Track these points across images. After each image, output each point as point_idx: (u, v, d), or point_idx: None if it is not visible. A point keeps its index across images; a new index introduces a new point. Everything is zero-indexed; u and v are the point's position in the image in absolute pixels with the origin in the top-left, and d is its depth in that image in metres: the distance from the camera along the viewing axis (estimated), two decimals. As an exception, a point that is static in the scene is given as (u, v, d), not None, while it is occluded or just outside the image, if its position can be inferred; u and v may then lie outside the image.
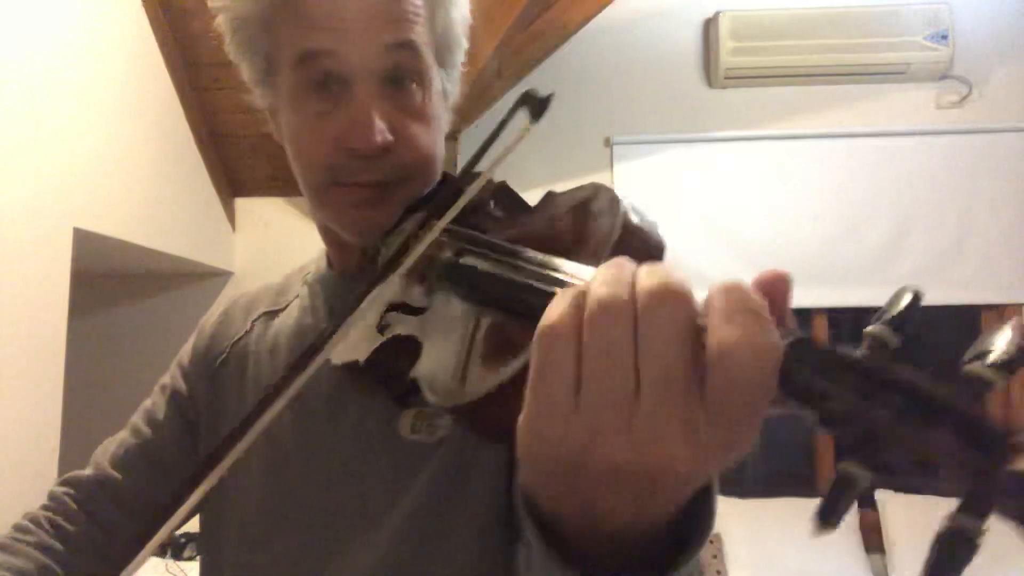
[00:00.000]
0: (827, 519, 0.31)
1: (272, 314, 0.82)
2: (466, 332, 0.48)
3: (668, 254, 0.48)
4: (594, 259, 0.43)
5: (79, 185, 2.30)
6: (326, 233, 0.78)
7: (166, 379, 0.86)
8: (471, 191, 0.53)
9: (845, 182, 3.37)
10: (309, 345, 0.48)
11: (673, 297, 0.31)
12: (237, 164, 3.36)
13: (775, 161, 3.42)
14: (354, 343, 0.56)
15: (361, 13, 0.63)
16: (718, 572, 2.97)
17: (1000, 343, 0.29)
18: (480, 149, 0.55)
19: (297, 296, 0.83)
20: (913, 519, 3.07)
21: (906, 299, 0.31)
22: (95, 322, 3.34)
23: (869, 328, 0.31)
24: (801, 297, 2.62)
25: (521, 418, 0.34)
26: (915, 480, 3.60)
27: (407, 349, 0.53)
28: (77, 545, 0.77)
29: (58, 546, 0.77)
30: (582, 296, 0.33)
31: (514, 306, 0.44)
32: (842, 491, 0.31)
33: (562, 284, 0.41)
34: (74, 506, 0.80)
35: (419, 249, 0.52)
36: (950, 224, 3.31)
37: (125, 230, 2.56)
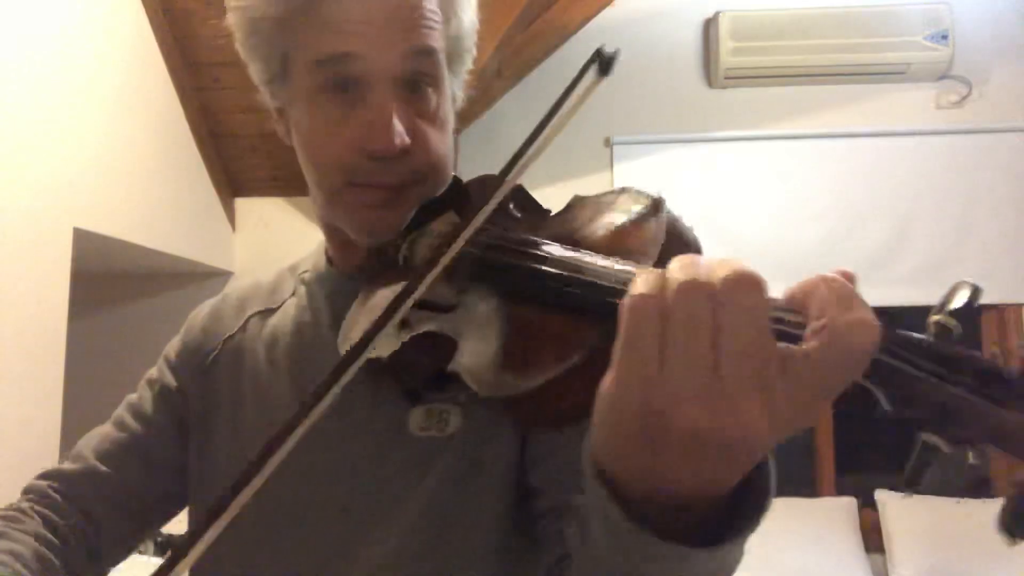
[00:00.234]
0: (913, 484, 0.36)
1: (267, 312, 0.82)
2: (511, 327, 0.51)
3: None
4: (645, 259, 0.47)
5: (79, 185, 2.30)
6: (332, 233, 0.78)
7: (152, 373, 0.85)
8: (503, 190, 0.55)
9: (845, 182, 3.37)
10: (358, 342, 0.49)
11: (752, 283, 0.34)
12: (237, 164, 3.36)
13: (775, 161, 3.42)
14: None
15: (383, 18, 0.65)
16: (718, 572, 2.97)
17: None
18: (554, 105, 0.57)
19: (292, 294, 0.82)
20: (913, 519, 3.07)
21: (965, 292, 0.36)
22: (95, 322, 3.34)
23: (935, 317, 0.35)
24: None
25: (605, 385, 0.37)
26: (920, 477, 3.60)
27: (433, 346, 0.55)
28: (66, 537, 0.76)
29: (50, 535, 0.76)
30: (663, 278, 0.36)
31: (572, 302, 0.47)
32: (926, 459, 0.36)
33: (623, 281, 0.44)
34: (60, 499, 0.78)
35: (457, 248, 0.53)
36: (950, 224, 3.31)
37: (125, 230, 2.56)
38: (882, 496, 3.18)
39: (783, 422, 0.34)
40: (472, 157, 3.11)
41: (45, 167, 2.14)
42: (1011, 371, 0.34)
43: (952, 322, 0.35)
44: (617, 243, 0.52)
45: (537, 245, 0.54)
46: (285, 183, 3.44)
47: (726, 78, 3.43)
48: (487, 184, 0.70)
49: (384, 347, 0.56)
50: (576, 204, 0.61)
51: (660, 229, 0.50)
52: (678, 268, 0.35)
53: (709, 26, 3.47)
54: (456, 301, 0.56)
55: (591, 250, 0.51)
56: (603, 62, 0.56)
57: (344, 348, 0.65)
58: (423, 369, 0.59)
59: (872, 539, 3.12)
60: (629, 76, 3.48)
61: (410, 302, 0.50)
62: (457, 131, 0.84)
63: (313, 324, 0.78)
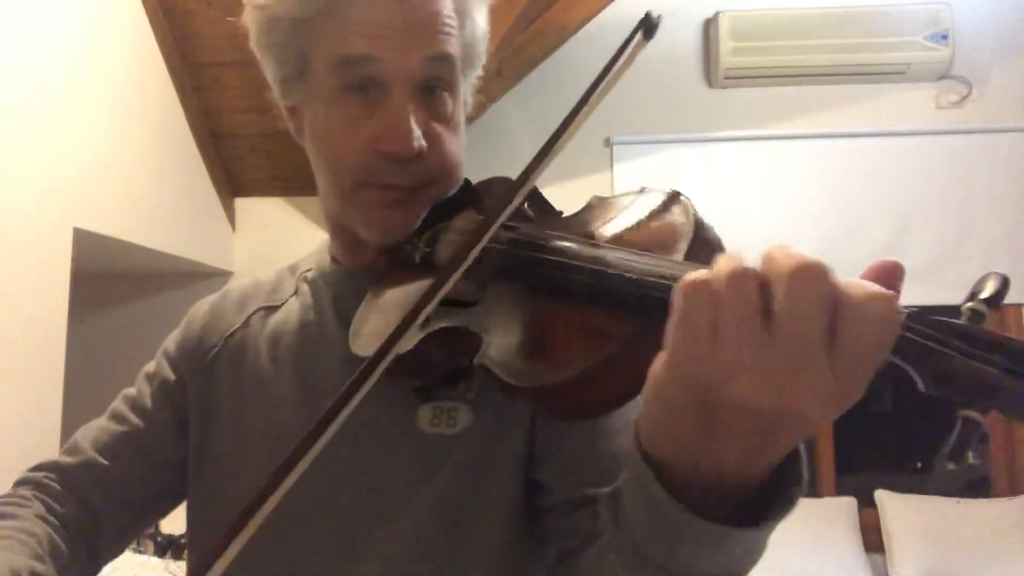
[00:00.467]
0: (956, 458, 0.38)
1: (270, 309, 0.82)
2: (543, 320, 0.53)
3: None
4: (674, 255, 0.49)
5: (79, 185, 2.30)
6: (339, 232, 0.79)
7: (151, 368, 0.85)
8: (527, 187, 0.56)
9: (845, 182, 3.37)
10: (388, 338, 0.50)
11: (813, 270, 0.36)
12: (237, 164, 3.36)
13: (775, 161, 3.42)
14: (385, 335, 0.58)
15: (406, 23, 0.66)
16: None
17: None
18: (604, 69, 0.59)
19: (295, 293, 0.83)
20: (913, 519, 3.07)
21: (995, 281, 0.39)
22: (95, 322, 3.34)
23: (968, 304, 0.38)
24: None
25: (657, 365, 0.40)
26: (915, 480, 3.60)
27: (449, 342, 0.57)
28: (67, 525, 0.76)
29: (55, 522, 0.75)
30: (713, 266, 0.39)
31: (605, 295, 0.49)
32: (967, 434, 0.37)
33: (657, 274, 0.46)
34: (59, 488, 0.78)
35: (482, 244, 0.54)
36: (950, 224, 3.31)
37: (125, 230, 2.56)
38: (882, 496, 3.19)
39: (832, 396, 0.36)
40: (472, 157, 3.10)
41: (45, 167, 2.14)
42: None
43: (985, 308, 0.38)
44: (646, 238, 0.53)
45: (567, 240, 0.55)
46: (285, 183, 3.44)
47: (726, 78, 3.43)
48: (503, 182, 0.72)
49: (402, 343, 0.57)
50: (596, 204, 0.63)
51: (688, 225, 0.51)
52: (728, 255, 0.38)
53: (709, 26, 3.47)
54: (478, 296, 0.58)
55: (621, 245, 0.52)
56: (649, 27, 0.58)
57: (356, 346, 0.66)
58: (438, 365, 0.61)
59: (872, 539, 3.12)
60: (629, 76, 3.47)
61: (439, 297, 0.51)
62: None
63: (318, 323, 0.78)
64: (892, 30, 3.27)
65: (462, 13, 0.71)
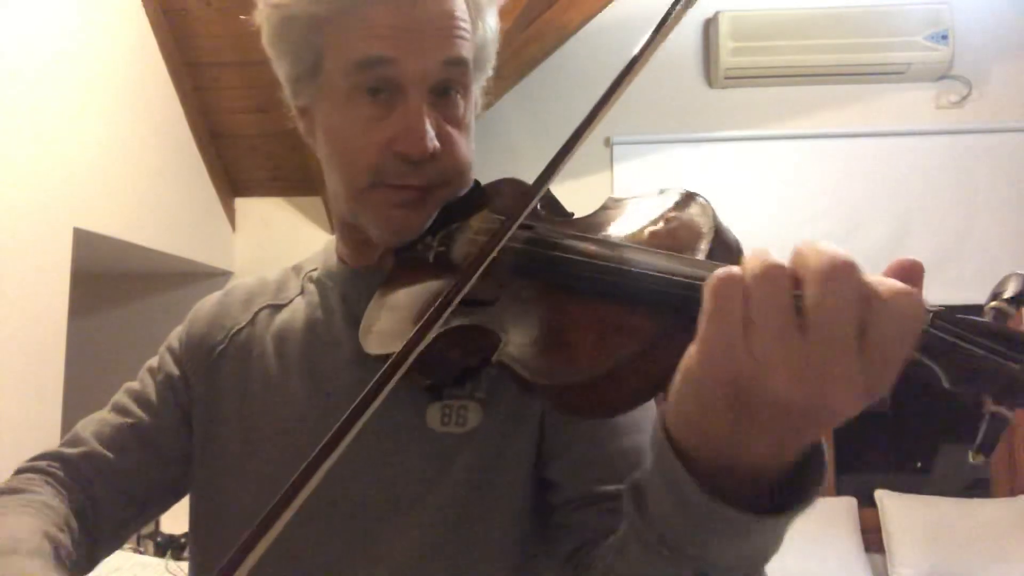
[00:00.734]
0: (986, 451, 0.39)
1: (276, 308, 0.82)
2: (566, 318, 0.53)
3: None
4: (695, 254, 0.49)
5: (79, 185, 2.30)
6: (348, 231, 0.79)
7: (154, 363, 0.84)
8: (546, 184, 0.56)
9: (845, 182, 3.37)
10: (411, 338, 0.50)
11: (844, 268, 0.37)
12: (237, 164, 3.36)
13: (775, 161, 3.42)
14: (398, 334, 0.58)
15: (423, 26, 0.67)
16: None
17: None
18: (651, 36, 0.60)
19: (301, 293, 0.83)
20: (913, 519, 3.07)
21: (1017, 281, 0.39)
22: (95, 322, 3.34)
23: (992, 303, 0.39)
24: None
25: (688, 358, 0.41)
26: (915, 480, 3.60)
27: (464, 340, 0.58)
28: (73, 511, 0.75)
29: (65, 505, 0.75)
30: (741, 263, 0.40)
31: (628, 294, 0.49)
32: (996, 428, 0.38)
33: (681, 273, 0.46)
34: (63, 475, 0.77)
35: (503, 243, 0.55)
36: (950, 224, 3.31)
37: (125, 230, 2.56)
38: (882, 496, 3.19)
39: (859, 390, 0.37)
40: (472, 157, 3.10)
41: (45, 167, 2.14)
42: None
43: (1010, 308, 0.38)
44: (666, 238, 0.54)
45: (589, 240, 0.56)
46: (285, 183, 3.44)
47: (726, 78, 3.43)
48: (511, 183, 0.72)
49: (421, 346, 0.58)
50: (612, 205, 0.63)
51: (708, 226, 0.52)
52: (754, 254, 0.39)
53: (709, 26, 3.47)
54: (496, 295, 0.58)
55: (640, 244, 0.53)
56: None
57: (367, 345, 0.67)
58: (451, 364, 0.62)
59: (872, 539, 3.12)
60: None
61: (461, 295, 0.52)
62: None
63: (326, 322, 0.78)
64: (892, 30, 3.27)
65: (475, 16, 0.72)
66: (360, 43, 0.67)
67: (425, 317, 0.50)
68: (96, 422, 0.81)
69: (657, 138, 3.46)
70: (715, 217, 0.53)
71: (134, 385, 0.84)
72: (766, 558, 0.48)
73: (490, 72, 0.77)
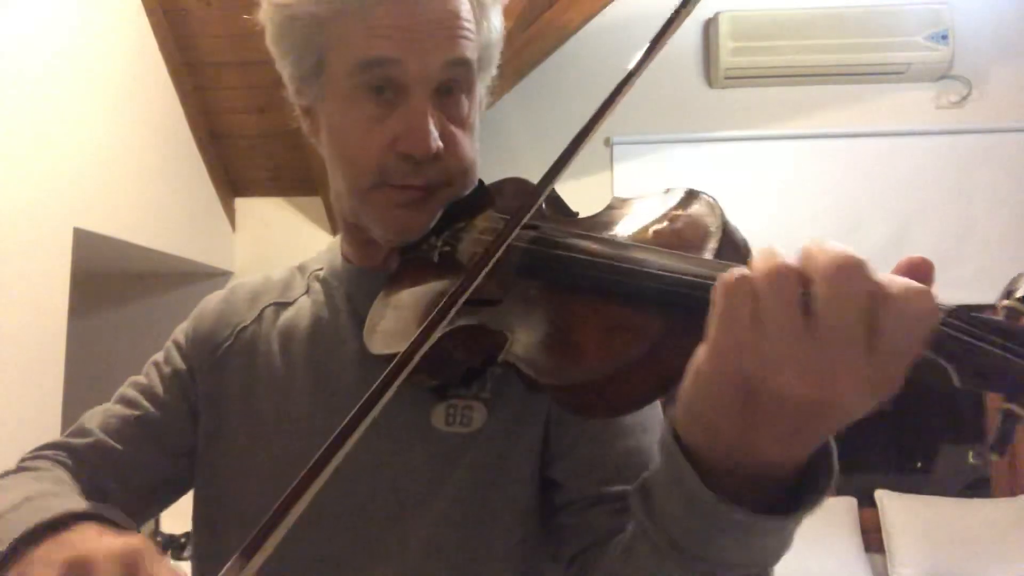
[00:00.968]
0: (1000, 449, 0.38)
1: (281, 306, 0.82)
2: (572, 318, 0.53)
3: None
4: (703, 253, 0.49)
5: (79, 185, 2.30)
6: (352, 231, 0.79)
7: (160, 357, 0.84)
8: (551, 183, 0.56)
9: (845, 182, 3.37)
10: (416, 337, 0.50)
11: (852, 267, 0.37)
12: (237, 164, 3.36)
13: (775, 161, 3.42)
14: (402, 334, 0.58)
15: (428, 26, 0.67)
16: (718, 572, 2.98)
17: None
18: (651, 44, 0.58)
19: (306, 292, 0.83)
20: (913, 519, 3.07)
21: None
22: (95, 322, 3.34)
23: (1005, 302, 0.39)
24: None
25: (699, 358, 0.41)
26: (916, 479, 3.60)
27: (469, 340, 0.58)
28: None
29: (76, 488, 0.74)
30: (748, 264, 0.40)
31: (636, 293, 0.49)
32: (1009, 427, 0.38)
33: (696, 274, 0.46)
34: (71, 463, 0.76)
35: (508, 242, 0.55)
36: (950, 224, 3.31)
37: (125, 230, 2.56)
38: (882, 496, 3.19)
39: (870, 388, 0.37)
40: (472, 157, 3.10)
41: (45, 167, 2.14)
42: None
43: (1022, 306, 0.38)
44: (674, 237, 0.54)
45: (595, 239, 0.55)
46: (285, 183, 3.44)
47: (726, 78, 3.43)
48: (515, 182, 0.72)
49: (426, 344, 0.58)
50: (617, 204, 0.63)
51: (716, 225, 0.52)
52: (763, 254, 0.39)
53: (709, 26, 3.47)
54: (501, 295, 0.58)
55: (647, 244, 0.53)
56: None
57: (371, 344, 0.67)
58: (457, 364, 0.61)
59: (872, 539, 3.12)
60: (629, 76, 3.47)
61: (466, 295, 0.51)
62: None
63: (331, 321, 0.78)
64: (892, 30, 3.27)
65: (480, 16, 0.71)
66: (363, 43, 0.67)
67: (430, 317, 0.50)
68: (102, 414, 0.80)
69: (657, 138, 3.46)
70: (723, 216, 0.53)
71: (140, 378, 0.83)
72: (775, 559, 0.49)
73: (495, 71, 0.77)
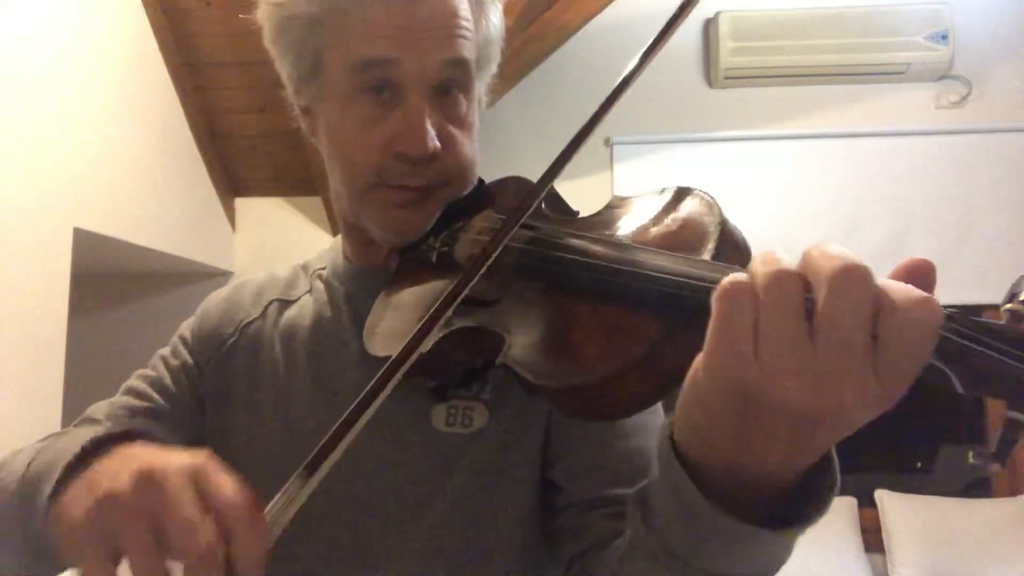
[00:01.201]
0: (1001, 458, 0.37)
1: (284, 303, 0.82)
2: (568, 320, 0.52)
3: None
4: (702, 254, 0.48)
5: (79, 185, 2.30)
6: (352, 231, 0.79)
7: (166, 352, 0.84)
8: (548, 182, 0.56)
9: (845, 182, 3.37)
10: (411, 339, 0.49)
11: (854, 274, 0.36)
12: (237, 164, 3.36)
13: (775, 161, 3.42)
14: (401, 335, 0.58)
15: (424, 26, 0.66)
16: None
17: None
18: (649, 46, 0.58)
19: (309, 291, 0.83)
20: (913, 519, 3.07)
21: None
22: (95, 322, 3.34)
23: (1008, 305, 0.38)
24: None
25: (698, 364, 0.40)
26: (916, 480, 3.60)
27: (468, 341, 0.57)
28: None
29: None
30: (747, 270, 0.39)
31: (632, 295, 0.48)
32: (1011, 435, 0.37)
33: (693, 276, 0.45)
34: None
35: (505, 243, 0.54)
36: (950, 224, 3.31)
37: (125, 230, 2.56)
38: (882, 496, 3.18)
39: (873, 398, 0.36)
40: (472, 157, 3.10)
41: (45, 167, 2.14)
42: None
43: (1023, 308, 0.37)
44: (672, 238, 0.53)
45: (592, 240, 0.55)
46: (285, 183, 3.44)
47: (726, 78, 3.42)
48: (516, 181, 0.72)
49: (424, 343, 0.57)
50: (617, 204, 0.62)
51: (714, 225, 0.51)
52: (763, 259, 0.38)
53: (709, 26, 3.47)
54: (499, 296, 0.58)
55: (646, 245, 0.52)
56: None
57: (371, 345, 0.66)
58: (456, 365, 0.61)
59: (872, 539, 3.12)
60: (629, 76, 3.47)
61: (463, 296, 0.51)
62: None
63: (333, 320, 0.78)
64: (892, 30, 3.27)
65: (478, 14, 0.71)
66: (360, 43, 0.66)
67: (424, 318, 0.50)
68: (109, 405, 0.80)
69: (657, 138, 3.46)
70: (721, 215, 0.52)
71: (148, 371, 0.82)
72: (775, 569, 0.48)
73: (495, 69, 0.77)
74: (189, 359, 0.81)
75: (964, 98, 3.40)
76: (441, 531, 0.67)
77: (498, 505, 0.68)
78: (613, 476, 0.65)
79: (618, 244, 0.53)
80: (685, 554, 0.46)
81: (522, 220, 0.55)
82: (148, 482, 0.44)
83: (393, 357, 0.48)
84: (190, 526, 0.42)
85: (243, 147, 3.28)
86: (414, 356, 0.48)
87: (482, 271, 0.52)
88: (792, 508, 0.44)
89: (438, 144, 0.67)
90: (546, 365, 0.51)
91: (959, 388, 0.37)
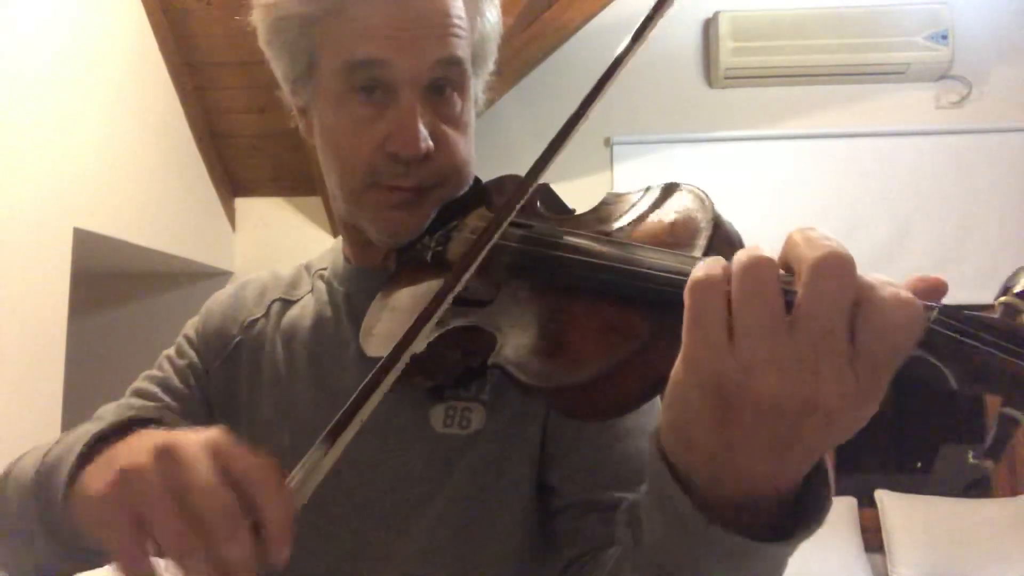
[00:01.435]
0: (995, 455, 0.36)
1: (286, 303, 0.82)
2: (560, 319, 0.52)
3: None
4: (693, 250, 0.48)
5: (79, 185, 2.30)
6: (351, 232, 0.79)
7: (172, 352, 0.84)
8: (535, 179, 0.55)
9: (845, 182, 3.37)
10: (400, 340, 0.49)
11: (836, 265, 0.35)
12: (237, 164, 3.36)
13: (775, 161, 3.42)
14: (397, 335, 0.58)
15: (414, 26, 0.66)
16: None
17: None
18: (631, 40, 0.57)
19: (311, 291, 0.83)
20: (913, 519, 3.07)
21: None
22: (95, 322, 3.34)
23: (1002, 298, 0.37)
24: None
25: (677, 364, 0.39)
26: (916, 480, 3.60)
27: (463, 341, 0.57)
28: None
29: None
30: (725, 261, 0.38)
31: (624, 293, 0.48)
32: (1005, 432, 0.36)
33: (677, 271, 0.44)
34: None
35: (493, 241, 0.53)
36: (950, 224, 3.31)
37: (125, 230, 2.56)
38: (882, 496, 3.19)
39: (853, 394, 0.35)
40: (472, 157, 3.10)
41: (45, 167, 2.14)
42: None
43: (1021, 303, 0.36)
44: (665, 234, 0.52)
45: (584, 237, 0.54)
46: (285, 183, 3.44)
47: (726, 78, 3.43)
48: (514, 180, 0.71)
49: (417, 343, 0.57)
50: (611, 200, 0.62)
51: (706, 220, 0.51)
52: (744, 251, 0.37)
53: (709, 26, 3.47)
54: (492, 295, 0.57)
55: (638, 242, 0.51)
56: None
57: (367, 346, 0.66)
58: (452, 365, 0.61)
59: (872, 539, 3.12)
60: (629, 76, 3.46)
61: (452, 297, 0.50)
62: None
63: (333, 321, 0.78)
64: (892, 30, 3.27)
65: (473, 11, 0.71)
66: (351, 44, 0.66)
67: (415, 318, 0.49)
68: (118, 406, 0.79)
69: (657, 138, 3.46)
70: (714, 211, 0.51)
71: (154, 372, 0.83)
72: None
73: (492, 67, 0.76)
74: (195, 359, 0.81)
75: (964, 98, 3.40)
76: (439, 532, 0.67)
77: (496, 506, 0.68)
78: (610, 478, 0.64)
79: (608, 241, 0.53)
80: (676, 569, 0.45)
81: (511, 216, 0.54)
82: (168, 453, 0.44)
83: (381, 361, 0.48)
84: (213, 491, 0.41)
85: (243, 147, 3.28)
86: (403, 360, 0.48)
87: (472, 269, 0.51)
88: (784, 523, 0.43)
89: (431, 144, 0.67)
90: (536, 365, 0.50)
91: (953, 384, 0.36)
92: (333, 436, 0.44)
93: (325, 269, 0.84)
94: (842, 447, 0.40)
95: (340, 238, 0.85)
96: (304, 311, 0.81)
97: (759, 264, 0.36)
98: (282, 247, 3.44)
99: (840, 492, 3.29)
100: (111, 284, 3.40)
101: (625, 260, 0.49)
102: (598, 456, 0.66)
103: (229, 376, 0.79)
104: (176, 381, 0.80)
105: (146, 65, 2.76)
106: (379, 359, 0.60)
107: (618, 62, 0.56)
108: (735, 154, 3.44)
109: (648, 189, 0.59)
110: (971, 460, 0.38)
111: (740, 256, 0.37)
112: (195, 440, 0.45)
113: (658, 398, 0.49)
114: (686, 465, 0.42)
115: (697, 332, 0.38)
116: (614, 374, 0.46)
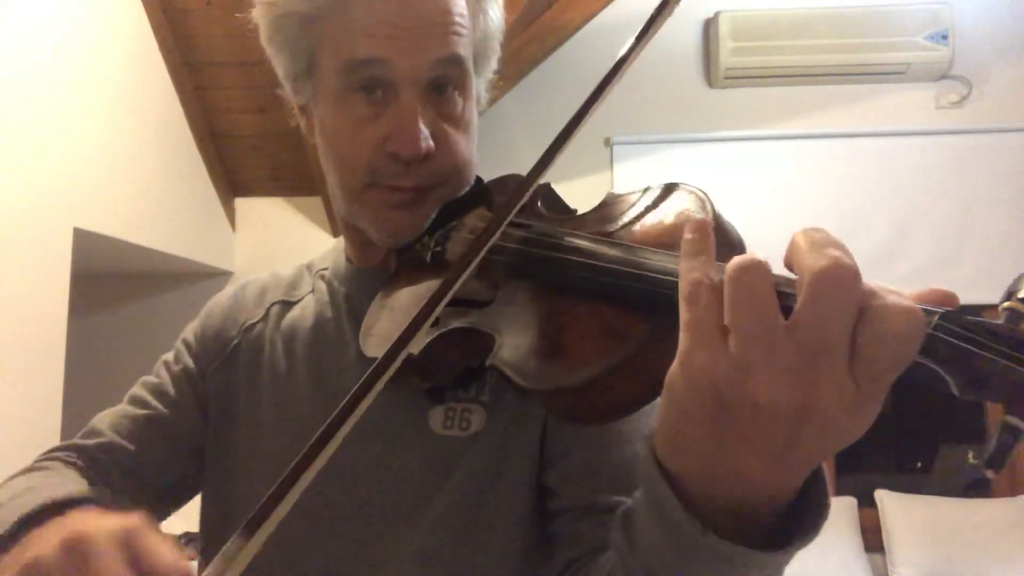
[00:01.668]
0: (997, 464, 0.35)
1: (286, 304, 0.82)
2: (558, 320, 0.51)
3: None
4: None
5: (79, 185, 2.30)
6: (352, 232, 0.78)
7: (169, 357, 0.84)
8: (534, 181, 0.55)
9: (845, 182, 3.37)
10: (397, 340, 0.48)
11: (839, 275, 0.34)
12: (237, 164, 3.36)
13: (775, 161, 3.42)
14: (394, 336, 0.57)
15: (415, 25, 0.65)
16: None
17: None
18: (635, 40, 0.57)
19: (311, 291, 0.83)
20: (913, 519, 3.07)
21: None
22: (95, 322, 3.34)
23: (1006, 303, 0.36)
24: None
25: (672, 367, 0.39)
26: (915, 480, 3.60)
27: (462, 342, 0.56)
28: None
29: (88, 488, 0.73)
30: (718, 265, 0.38)
31: (623, 294, 0.47)
32: (1007, 440, 0.35)
33: (676, 272, 0.43)
34: (84, 466, 0.76)
35: (492, 241, 0.53)
36: (950, 224, 3.31)
37: (125, 230, 2.56)
38: (882, 496, 3.18)
39: (850, 400, 0.35)
40: (472, 157, 3.10)
41: (45, 167, 2.14)
42: None
43: (1021, 306, 0.36)
44: (664, 235, 0.52)
45: (583, 238, 0.54)
46: (285, 183, 3.44)
47: (726, 78, 3.43)
48: (515, 179, 0.70)
49: (414, 344, 0.57)
50: (611, 201, 0.61)
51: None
52: (737, 256, 0.37)
53: (709, 26, 3.47)
54: (491, 296, 0.57)
55: (637, 243, 0.51)
56: None
57: (366, 347, 0.66)
58: (450, 366, 0.60)
59: (872, 539, 3.12)
60: (629, 76, 3.45)
61: (449, 297, 0.50)
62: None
63: (333, 321, 0.78)
64: (892, 30, 3.27)
65: (475, 9, 0.70)
66: (351, 43, 0.66)
67: (412, 319, 0.49)
68: (113, 415, 0.80)
69: (657, 138, 3.46)
70: (713, 212, 0.51)
71: (150, 379, 0.83)
72: None
73: (495, 65, 0.76)
74: (191, 363, 0.81)
75: (964, 98, 3.40)
76: (439, 533, 0.67)
77: (495, 508, 0.67)
78: (608, 482, 0.64)
79: (606, 242, 0.53)
80: (667, 575, 0.45)
81: (510, 216, 0.53)
82: (75, 546, 0.44)
83: (377, 361, 0.47)
84: None
85: (243, 147, 3.28)
86: (399, 361, 0.47)
87: (470, 270, 0.51)
88: (781, 532, 0.42)
89: (431, 144, 0.66)
90: (533, 367, 0.50)
91: (955, 390, 0.36)
92: (253, 528, 0.42)
93: (326, 269, 0.84)
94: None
95: (342, 238, 0.85)
96: (305, 311, 0.80)
97: (750, 268, 0.36)
98: (282, 247, 3.44)
99: (840, 492, 3.29)
100: (111, 284, 3.41)
101: (625, 262, 0.49)
102: (596, 459, 0.66)
103: (227, 378, 0.79)
104: (170, 388, 0.80)
105: (146, 65, 2.76)
106: (374, 358, 0.60)
107: (622, 63, 0.55)
108: (735, 154, 3.44)
109: (648, 189, 0.59)
110: (971, 460, 0.37)
111: (734, 260, 0.37)
112: (106, 531, 0.45)
113: (657, 402, 0.49)
114: (680, 469, 0.41)
115: (692, 333, 0.37)
116: (610, 377, 0.46)
